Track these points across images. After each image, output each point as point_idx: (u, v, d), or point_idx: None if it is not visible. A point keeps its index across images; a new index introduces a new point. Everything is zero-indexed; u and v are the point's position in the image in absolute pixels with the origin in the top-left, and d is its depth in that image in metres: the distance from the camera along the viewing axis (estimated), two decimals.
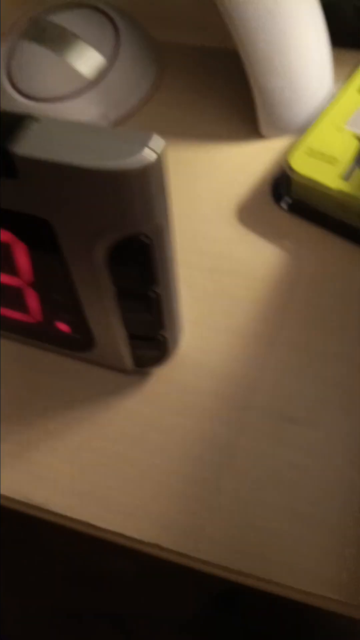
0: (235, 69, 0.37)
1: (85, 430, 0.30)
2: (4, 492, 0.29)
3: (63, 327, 0.29)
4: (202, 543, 0.26)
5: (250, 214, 0.36)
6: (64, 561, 0.77)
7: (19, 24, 0.43)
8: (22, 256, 0.25)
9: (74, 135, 0.20)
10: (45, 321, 0.29)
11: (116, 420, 0.30)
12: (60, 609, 0.76)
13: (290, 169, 0.33)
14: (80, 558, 0.75)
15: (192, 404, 0.30)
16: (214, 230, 0.35)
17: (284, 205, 0.35)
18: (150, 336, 0.27)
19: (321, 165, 0.32)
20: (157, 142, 0.19)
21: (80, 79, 0.40)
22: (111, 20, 0.41)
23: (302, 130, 0.37)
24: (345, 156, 0.32)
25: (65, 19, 0.42)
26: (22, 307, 0.28)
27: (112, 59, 0.41)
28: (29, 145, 0.19)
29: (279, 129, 0.38)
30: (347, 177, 0.32)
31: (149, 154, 0.19)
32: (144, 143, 0.19)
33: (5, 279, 0.27)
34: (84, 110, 0.40)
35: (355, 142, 0.33)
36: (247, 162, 0.38)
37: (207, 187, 0.37)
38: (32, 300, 0.28)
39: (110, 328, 0.27)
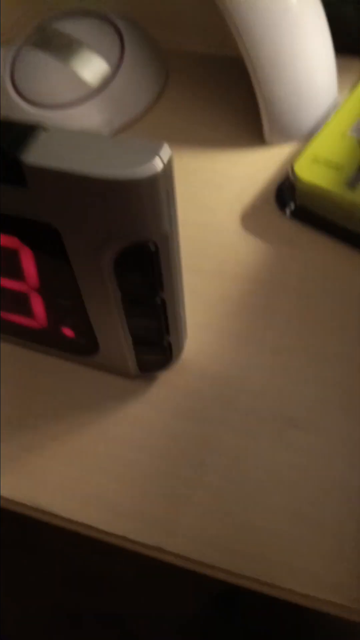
0: (240, 76, 0.37)
1: (88, 434, 0.30)
2: (7, 494, 0.29)
3: (68, 332, 0.29)
4: (205, 546, 0.26)
5: (254, 220, 0.36)
6: (64, 562, 0.77)
7: (25, 30, 0.44)
8: (28, 262, 0.25)
9: (82, 144, 0.20)
10: (50, 326, 0.29)
11: (120, 424, 0.30)
12: (60, 609, 0.76)
13: (295, 175, 0.33)
14: (80, 559, 0.75)
15: (196, 408, 0.30)
16: (219, 236, 0.35)
17: (288, 211, 0.35)
18: (155, 341, 0.28)
19: (326, 172, 0.33)
20: (165, 151, 0.19)
21: (84, 86, 0.40)
22: (116, 28, 0.42)
23: (306, 137, 0.37)
24: (350, 163, 0.33)
25: (70, 27, 0.42)
26: (27, 312, 0.28)
27: (116, 66, 0.41)
28: (37, 154, 0.19)
29: (284, 136, 0.38)
30: (352, 184, 0.32)
31: (157, 163, 0.19)
32: (153, 152, 0.19)
33: (11, 284, 0.27)
34: (88, 117, 0.41)
35: (359, 148, 0.33)
36: (251, 169, 0.38)
37: (211, 193, 0.37)
38: (38, 305, 0.28)
39: (115, 333, 0.27)
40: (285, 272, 0.33)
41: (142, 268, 0.23)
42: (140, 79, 0.42)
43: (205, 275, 0.34)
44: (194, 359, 0.31)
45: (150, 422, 0.30)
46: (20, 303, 0.28)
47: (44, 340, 0.31)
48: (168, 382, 0.31)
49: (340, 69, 0.38)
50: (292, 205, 0.35)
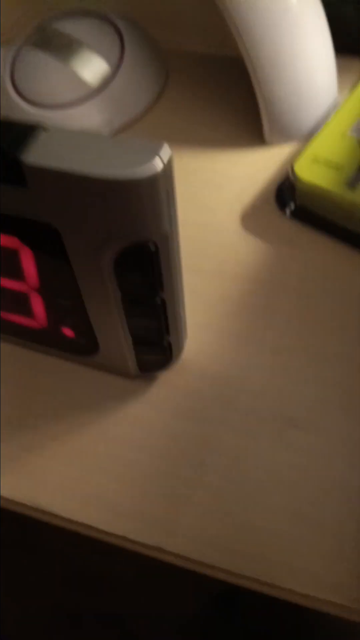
0: (240, 76, 0.37)
1: (88, 434, 0.30)
2: (7, 494, 0.29)
3: (68, 332, 0.29)
4: (205, 546, 0.26)
5: (254, 220, 0.36)
6: (64, 562, 0.77)
7: (25, 30, 0.44)
8: (28, 262, 0.25)
9: (82, 144, 0.20)
10: (50, 326, 0.29)
11: (120, 424, 0.30)
12: (60, 609, 0.76)
13: (295, 175, 0.33)
14: (80, 559, 0.75)
15: (196, 408, 0.30)
16: (218, 236, 0.36)
17: (288, 211, 0.35)
18: (155, 341, 0.28)
19: (326, 172, 0.33)
20: (165, 151, 0.19)
21: (84, 86, 0.40)
22: (116, 28, 0.42)
23: (306, 137, 0.37)
24: (350, 163, 0.33)
25: (70, 27, 0.42)
26: (27, 312, 0.28)
27: (116, 66, 0.41)
28: (37, 154, 0.19)
29: (284, 136, 0.38)
30: (352, 184, 0.32)
31: (157, 163, 0.19)
32: (153, 152, 0.19)
33: (11, 284, 0.27)
34: (88, 117, 0.41)
35: (359, 148, 0.33)
36: (251, 169, 0.38)
37: (211, 193, 0.37)
38: (38, 305, 0.28)
39: (115, 333, 0.27)
40: (285, 272, 0.33)
41: (142, 268, 0.23)
42: (140, 79, 0.42)
43: (205, 275, 0.34)
44: (194, 359, 0.31)
45: (150, 422, 0.30)
46: (20, 303, 0.28)
47: (44, 340, 0.31)
48: (168, 382, 0.31)
49: (340, 69, 0.38)
50: (292, 205, 0.35)
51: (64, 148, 0.20)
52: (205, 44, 0.44)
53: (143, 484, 0.28)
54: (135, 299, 0.25)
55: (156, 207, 0.20)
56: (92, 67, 0.41)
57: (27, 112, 0.41)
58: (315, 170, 0.33)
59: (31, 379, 0.32)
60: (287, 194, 0.36)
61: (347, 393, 0.29)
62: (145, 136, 0.41)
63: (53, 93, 0.41)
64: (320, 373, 0.30)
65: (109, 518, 0.27)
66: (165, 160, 0.19)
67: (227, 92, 0.42)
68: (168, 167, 0.19)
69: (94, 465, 0.29)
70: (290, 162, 0.34)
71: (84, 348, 0.30)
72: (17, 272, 0.26)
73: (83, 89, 0.41)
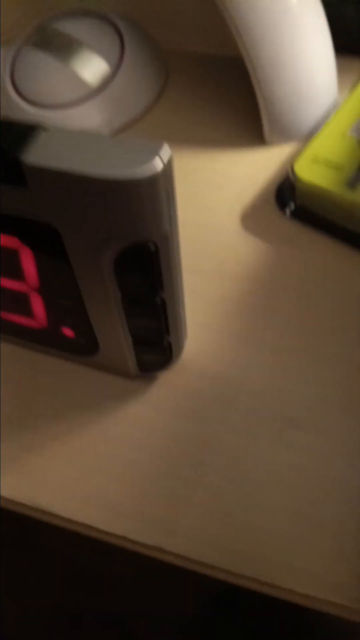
0: (240, 76, 0.37)
1: (88, 434, 0.30)
2: (7, 494, 0.29)
3: (68, 332, 0.29)
4: (205, 546, 0.26)
5: (254, 220, 0.36)
6: (64, 562, 0.77)
7: (25, 30, 0.44)
8: (28, 262, 0.25)
9: (82, 144, 0.20)
10: (50, 326, 0.29)
11: (120, 424, 0.30)
12: (60, 609, 0.77)
13: (295, 175, 0.33)
14: (80, 558, 0.76)
15: (196, 408, 0.30)
16: (219, 236, 0.36)
17: (288, 211, 0.35)
18: (155, 341, 0.28)
19: (326, 172, 0.33)
20: (165, 151, 0.19)
21: (84, 86, 0.41)
22: (116, 28, 0.42)
23: (306, 137, 0.37)
24: (350, 163, 0.33)
25: (70, 27, 0.42)
26: (27, 312, 0.28)
27: (116, 66, 0.41)
28: (37, 154, 0.19)
29: (284, 136, 0.38)
30: (352, 184, 0.32)
31: (157, 163, 0.19)
32: (153, 152, 0.19)
33: (11, 284, 0.27)
34: (88, 117, 0.41)
35: (359, 148, 0.33)
36: (251, 169, 0.38)
37: (211, 193, 0.37)
38: (38, 305, 0.28)
39: (115, 333, 0.27)
40: (285, 272, 0.33)
41: (142, 268, 0.23)
42: (140, 79, 0.42)
43: (205, 275, 0.34)
44: (194, 358, 0.31)
45: (150, 422, 0.30)
46: (21, 303, 0.28)
47: (43, 340, 0.31)
48: (168, 382, 0.31)
49: (341, 69, 0.38)
50: (292, 205, 0.35)
51: (63, 148, 0.20)
52: (205, 44, 0.45)
53: (143, 484, 0.28)
54: (135, 299, 0.25)
55: (156, 207, 0.20)
56: (92, 67, 0.41)
57: (27, 112, 0.41)
58: (315, 170, 0.33)
59: (31, 379, 0.32)
60: (287, 193, 0.36)
61: (347, 393, 0.29)
62: (145, 136, 0.41)
63: (53, 93, 0.41)
64: (320, 373, 0.30)
65: (109, 518, 0.28)
66: (165, 160, 0.19)
67: (227, 92, 0.42)
68: (168, 167, 0.19)
69: (94, 465, 0.29)
70: (290, 162, 0.34)
71: (83, 348, 0.30)
72: (17, 272, 0.26)
73: (83, 89, 0.41)
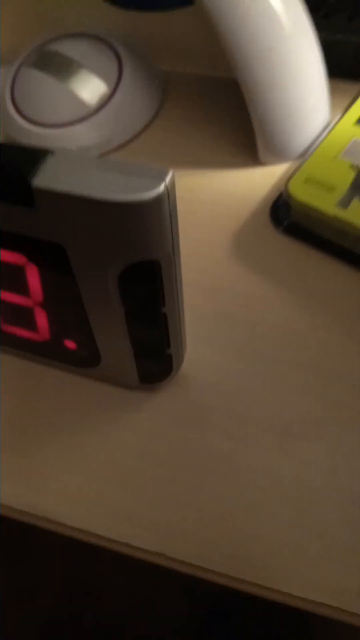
0: (235, 98, 0.38)
1: (90, 442, 0.31)
2: (8, 502, 0.29)
3: (70, 344, 0.30)
4: (207, 551, 0.27)
5: (250, 237, 0.37)
6: (61, 569, 0.77)
7: (25, 51, 0.45)
8: (34, 278, 0.26)
9: (88, 168, 0.21)
10: (53, 339, 0.30)
11: (121, 432, 0.31)
12: (57, 615, 0.76)
13: (289, 195, 0.34)
14: (76, 566, 0.76)
15: (195, 417, 0.31)
16: (215, 251, 0.36)
17: (282, 229, 0.36)
18: (156, 354, 0.29)
19: (319, 193, 0.34)
20: (169, 176, 0.20)
21: (83, 106, 0.42)
22: (114, 49, 0.43)
23: (300, 157, 0.39)
24: (342, 184, 0.34)
25: (69, 48, 0.43)
26: (30, 325, 0.29)
27: (114, 87, 0.42)
28: (46, 178, 0.20)
29: (278, 157, 0.39)
30: (343, 204, 0.33)
31: (161, 187, 0.20)
32: (157, 176, 0.20)
33: (16, 298, 0.28)
34: (86, 135, 0.42)
35: (351, 171, 0.34)
36: (246, 188, 0.39)
37: (208, 210, 0.38)
38: (41, 319, 0.29)
39: (117, 345, 0.28)
40: (279, 287, 0.34)
41: (145, 285, 0.24)
42: (137, 99, 0.43)
43: (202, 289, 0.35)
44: (193, 370, 0.32)
45: (151, 430, 0.31)
46: (24, 317, 0.29)
47: (46, 352, 0.32)
48: (168, 392, 0.32)
49: (333, 92, 0.39)
50: (286, 223, 0.36)
51: (71, 171, 0.20)
52: (200, 66, 0.46)
53: (144, 491, 0.29)
54: (138, 313, 0.26)
55: (160, 227, 0.21)
56: (90, 88, 0.42)
57: (27, 130, 0.42)
58: (308, 191, 0.34)
59: (33, 390, 0.33)
60: (281, 212, 0.37)
61: (344, 402, 0.30)
62: (143, 154, 0.42)
63: (52, 112, 0.42)
64: (317, 383, 0.31)
65: (110, 524, 0.28)
66: (169, 183, 0.20)
67: (223, 112, 0.43)
68: (171, 190, 0.20)
69: (95, 472, 0.30)
70: (285, 182, 0.35)
71: (86, 360, 0.30)
72: (22, 288, 0.26)
73: (82, 109, 0.42)
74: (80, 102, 0.42)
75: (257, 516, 0.28)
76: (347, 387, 0.31)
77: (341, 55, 0.42)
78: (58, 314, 0.28)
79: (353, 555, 0.26)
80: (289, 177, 0.35)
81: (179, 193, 0.21)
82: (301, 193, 0.34)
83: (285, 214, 0.36)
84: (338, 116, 0.38)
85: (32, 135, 0.42)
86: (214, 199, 0.39)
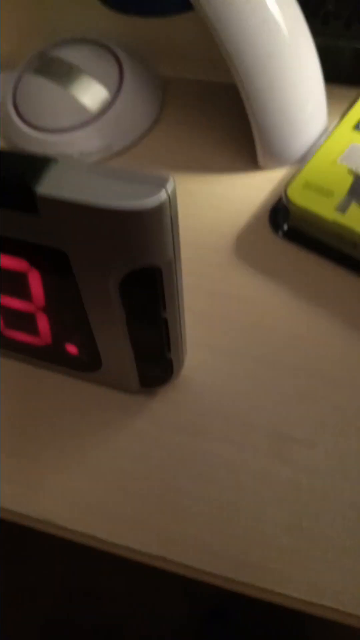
0: (235, 103, 0.39)
1: (90, 446, 0.31)
2: (8, 505, 0.30)
3: (71, 349, 0.30)
4: (206, 555, 0.27)
5: (249, 240, 0.37)
6: (59, 573, 0.77)
7: (27, 57, 0.45)
8: (36, 283, 0.26)
9: (90, 175, 0.21)
10: (54, 344, 0.30)
11: (121, 437, 0.31)
12: (58, 615, 0.77)
13: (288, 200, 0.35)
14: (75, 570, 0.76)
15: (194, 422, 0.31)
16: (215, 255, 0.37)
17: (281, 233, 0.37)
18: (157, 358, 0.29)
19: (317, 198, 0.34)
20: (170, 183, 0.20)
21: (84, 111, 0.42)
22: (115, 55, 0.43)
23: (298, 162, 0.39)
24: (340, 189, 0.34)
25: (70, 54, 0.44)
26: (32, 330, 0.29)
27: (115, 92, 0.42)
28: (50, 186, 0.21)
29: (277, 161, 0.40)
30: (341, 209, 0.33)
31: (163, 195, 0.20)
32: (158, 184, 0.20)
33: (18, 303, 0.28)
34: (88, 141, 0.42)
35: (348, 176, 0.35)
36: (245, 192, 0.39)
37: (207, 215, 0.39)
38: (43, 323, 0.29)
39: (118, 350, 0.28)
40: (278, 291, 0.35)
41: (147, 290, 0.24)
42: (138, 104, 0.44)
43: (202, 294, 0.35)
44: (192, 374, 0.32)
45: (150, 434, 0.31)
46: (26, 321, 0.29)
47: (47, 357, 0.32)
48: (168, 396, 0.32)
49: (331, 97, 0.39)
50: (285, 227, 0.37)
51: (74, 179, 0.21)
52: (200, 72, 0.46)
53: (144, 495, 0.29)
54: (139, 318, 0.26)
55: (162, 235, 0.21)
56: (92, 93, 0.42)
57: (29, 136, 0.43)
58: (307, 195, 0.34)
59: (33, 394, 0.33)
60: (280, 216, 0.37)
61: (343, 408, 0.31)
62: (143, 159, 0.42)
63: (54, 118, 0.43)
64: (317, 387, 0.31)
65: (110, 528, 0.28)
66: (170, 191, 0.20)
67: (223, 117, 0.43)
68: (173, 198, 0.21)
69: (95, 476, 0.30)
70: (283, 186, 0.36)
71: (87, 364, 0.31)
72: (24, 293, 0.27)
73: (83, 114, 0.42)
74: (81, 108, 0.42)
75: (256, 519, 0.28)
76: (347, 391, 0.31)
77: (339, 60, 0.42)
78: (60, 319, 0.28)
79: (351, 558, 0.26)
80: (287, 182, 0.36)
81: (179, 197, 0.21)
82: (300, 198, 0.35)
83: (284, 219, 0.37)
84: (336, 121, 0.38)
85: (33, 140, 0.42)
86: (214, 203, 0.39)
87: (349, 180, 0.34)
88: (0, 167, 0.21)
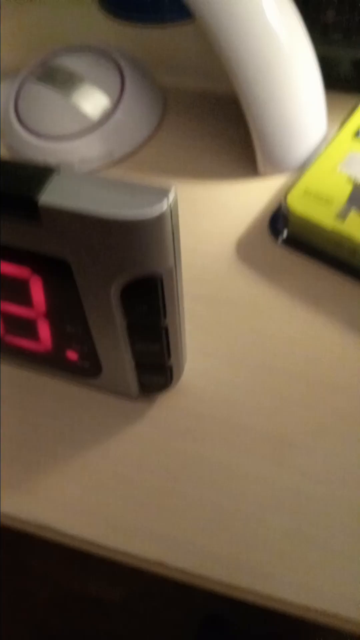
0: (235, 111, 0.39)
1: (90, 452, 0.31)
2: (8, 511, 0.30)
3: (72, 355, 0.30)
4: (206, 561, 0.27)
5: (249, 248, 0.37)
6: (60, 568, 0.77)
7: (28, 65, 0.45)
8: (37, 291, 0.26)
9: (92, 186, 0.21)
10: (55, 350, 0.30)
11: (121, 442, 0.31)
12: (55, 621, 0.76)
13: (288, 208, 0.35)
14: (75, 571, 0.76)
15: (195, 429, 0.31)
16: (215, 262, 0.37)
17: (280, 240, 0.37)
18: (157, 365, 0.29)
19: (317, 205, 0.34)
20: (171, 193, 0.21)
21: (86, 119, 0.42)
22: (116, 63, 0.44)
23: (298, 169, 0.39)
24: (340, 197, 0.34)
25: (72, 62, 0.44)
26: (33, 336, 0.30)
27: (117, 100, 0.43)
28: (52, 196, 0.21)
29: (276, 169, 0.40)
30: (341, 216, 0.34)
31: (164, 205, 0.20)
32: (160, 194, 0.21)
33: (19, 310, 0.28)
34: (89, 148, 0.42)
35: (348, 184, 0.35)
36: (245, 200, 0.40)
37: (207, 222, 0.39)
38: (44, 330, 0.29)
39: (118, 357, 0.28)
40: (278, 298, 0.35)
41: (148, 298, 0.24)
42: (139, 112, 0.44)
43: (202, 301, 0.35)
44: (192, 380, 0.32)
45: (150, 440, 0.31)
46: (27, 328, 0.29)
47: (47, 363, 0.32)
48: (168, 403, 0.32)
49: (330, 105, 0.40)
50: (285, 234, 0.37)
51: (76, 189, 0.21)
52: (201, 81, 0.46)
53: (143, 501, 0.29)
54: (140, 325, 0.26)
55: (163, 244, 0.22)
56: (93, 101, 0.43)
57: (31, 143, 0.43)
58: (306, 203, 0.35)
59: (33, 400, 0.33)
60: (280, 223, 0.37)
61: (343, 413, 0.31)
62: (144, 167, 0.43)
63: (56, 125, 0.43)
64: (316, 393, 0.31)
65: (110, 534, 0.29)
66: (172, 201, 0.21)
67: (222, 125, 0.44)
68: (174, 208, 0.21)
69: (95, 482, 0.30)
70: (283, 194, 0.36)
71: (87, 371, 0.31)
72: (25, 300, 0.27)
73: (84, 122, 0.42)
74: (82, 116, 0.42)
75: (255, 525, 0.28)
76: (346, 397, 0.31)
77: (338, 69, 0.43)
78: (60, 325, 0.28)
79: (350, 563, 0.27)
80: (287, 190, 0.36)
81: (179, 205, 0.22)
82: (299, 205, 0.35)
83: (284, 226, 0.37)
84: (335, 129, 0.39)
85: (35, 147, 0.43)
86: (214, 210, 0.40)
87: (348, 188, 0.35)
88: (3, 177, 0.21)
